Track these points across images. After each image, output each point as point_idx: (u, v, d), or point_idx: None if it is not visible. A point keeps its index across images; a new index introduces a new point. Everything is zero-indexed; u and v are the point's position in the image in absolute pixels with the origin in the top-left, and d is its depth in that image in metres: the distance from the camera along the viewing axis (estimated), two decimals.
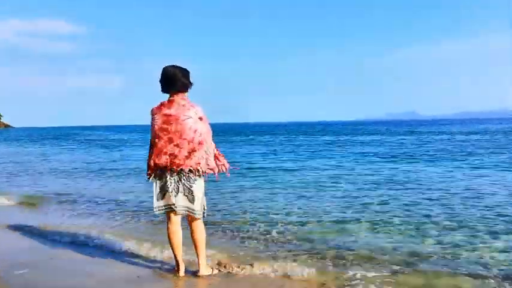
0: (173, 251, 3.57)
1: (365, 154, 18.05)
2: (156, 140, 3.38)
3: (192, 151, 3.34)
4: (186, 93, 3.49)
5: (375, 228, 5.39)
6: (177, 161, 3.33)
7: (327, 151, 20.38)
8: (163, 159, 3.34)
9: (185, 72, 3.48)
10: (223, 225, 5.60)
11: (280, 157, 17.28)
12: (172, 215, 3.47)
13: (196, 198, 3.40)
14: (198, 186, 3.41)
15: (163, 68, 3.50)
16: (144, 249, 4.45)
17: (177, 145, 3.33)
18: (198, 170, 3.37)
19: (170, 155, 3.33)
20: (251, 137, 42.12)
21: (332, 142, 28.79)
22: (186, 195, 3.39)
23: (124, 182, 10.34)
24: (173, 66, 3.49)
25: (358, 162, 14.53)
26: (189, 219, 3.50)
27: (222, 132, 54.09)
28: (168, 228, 3.52)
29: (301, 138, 37.17)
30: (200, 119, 3.41)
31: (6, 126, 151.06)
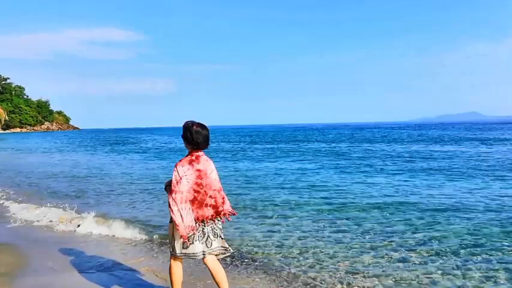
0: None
1: None
2: (195, 194, 3.62)
3: (223, 198, 3.80)
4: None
5: None
6: (217, 210, 3.71)
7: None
8: (209, 212, 3.66)
9: (209, 133, 3.77)
10: None
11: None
12: (179, 260, 3.80)
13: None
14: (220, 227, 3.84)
15: (193, 128, 3.69)
16: None
17: (211, 196, 3.69)
18: (231, 214, 3.85)
19: (211, 206, 3.68)
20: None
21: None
22: (222, 238, 3.80)
23: None
24: (203, 126, 3.74)
25: None
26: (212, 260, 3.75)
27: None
28: (177, 267, 3.80)
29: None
30: (215, 170, 3.85)
31: (75, 128, 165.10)
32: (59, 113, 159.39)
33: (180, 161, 3.69)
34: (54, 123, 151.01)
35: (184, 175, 3.59)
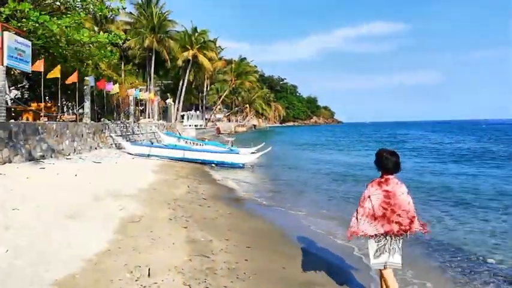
0: None
1: None
2: (385, 211, 4.24)
3: (412, 218, 4.27)
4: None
5: None
6: (403, 227, 4.24)
7: None
8: (395, 227, 4.24)
9: (399, 159, 4.36)
10: None
11: None
12: (387, 270, 4.36)
13: (401, 256, 4.36)
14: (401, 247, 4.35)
15: (383, 155, 4.37)
16: None
17: (399, 215, 4.23)
18: (424, 229, 4.32)
19: (397, 223, 4.23)
20: None
21: None
22: (398, 254, 4.33)
23: None
24: (390, 152, 4.40)
25: None
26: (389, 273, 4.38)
27: None
28: (389, 275, 4.36)
29: None
30: (408, 193, 4.33)
31: (339, 122, 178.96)
32: (325, 108, 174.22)
33: (372, 181, 4.42)
34: (321, 117, 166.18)
35: (373, 194, 4.31)
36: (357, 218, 4.37)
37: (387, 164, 4.34)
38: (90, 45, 16.49)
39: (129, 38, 42.05)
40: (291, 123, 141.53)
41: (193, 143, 25.83)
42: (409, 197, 4.32)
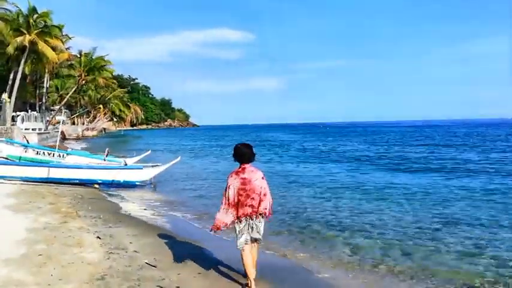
0: (249, 270, 4.85)
1: None
2: (240, 197, 4.77)
3: (260, 201, 4.81)
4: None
5: None
6: (255, 209, 4.78)
7: None
8: (248, 210, 4.77)
9: (252, 150, 4.97)
10: None
11: None
12: (248, 245, 4.87)
13: (261, 233, 4.91)
14: (263, 224, 4.91)
15: (239, 148, 4.98)
16: None
17: (252, 198, 4.77)
18: (265, 214, 4.85)
19: (250, 206, 4.77)
20: None
21: None
22: (258, 232, 4.85)
23: None
24: (245, 145, 5.04)
25: None
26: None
27: None
28: (246, 254, 4.82)
29: None
30: (262, 178, 4.89)
31: (194, 125, 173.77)
32: (179, 110, 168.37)
33: (231, 172, 4.94)
34: (176, 120, 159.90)
35: (231, 183, 4.83)
36: (223, 209, 4.84)
37: (244, 155, 4.90)
38: None
39: None
40: (144, 126, 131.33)
41: (51, 154, 18.43)
42: (263, 182, 4.89)
